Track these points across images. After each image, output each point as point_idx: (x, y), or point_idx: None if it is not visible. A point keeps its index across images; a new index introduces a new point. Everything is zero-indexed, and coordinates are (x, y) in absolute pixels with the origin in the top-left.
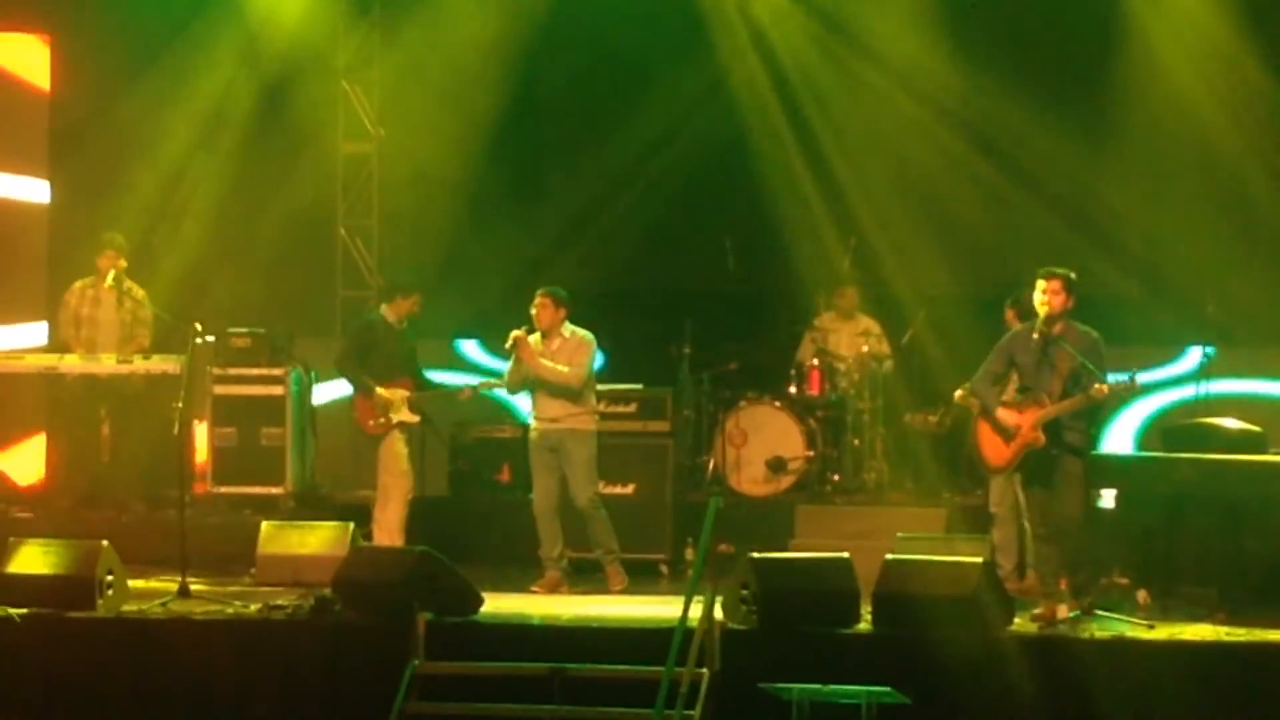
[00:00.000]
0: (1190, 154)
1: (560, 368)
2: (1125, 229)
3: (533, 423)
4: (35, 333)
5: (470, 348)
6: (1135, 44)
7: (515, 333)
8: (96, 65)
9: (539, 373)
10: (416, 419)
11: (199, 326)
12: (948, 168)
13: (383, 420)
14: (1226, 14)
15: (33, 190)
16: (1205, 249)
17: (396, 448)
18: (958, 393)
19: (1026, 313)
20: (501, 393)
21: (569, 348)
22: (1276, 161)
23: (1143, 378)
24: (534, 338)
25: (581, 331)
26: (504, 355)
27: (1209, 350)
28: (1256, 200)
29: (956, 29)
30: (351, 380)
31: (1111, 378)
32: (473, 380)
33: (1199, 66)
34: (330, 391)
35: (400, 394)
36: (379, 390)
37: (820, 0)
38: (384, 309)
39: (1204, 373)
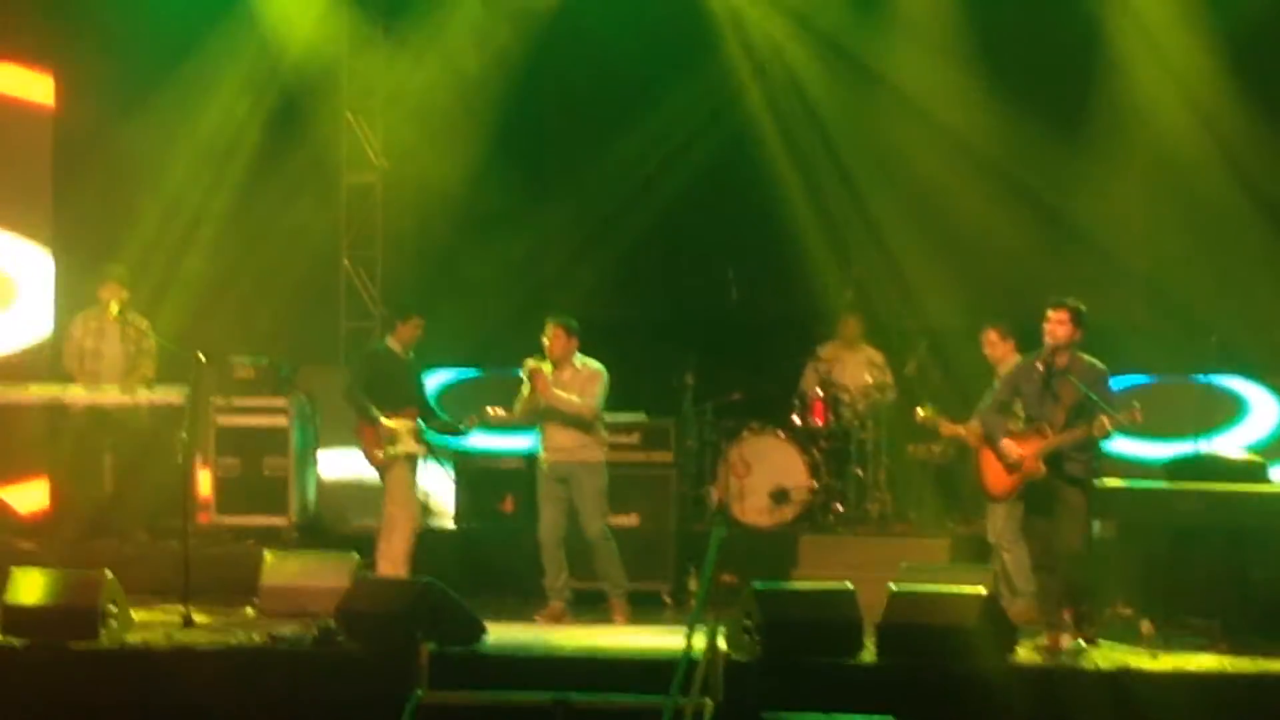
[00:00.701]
0: (1186, 182)
1: (574, 399)
2: (1129, 259)
3: (542, 453)
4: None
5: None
6: (1128, 74)
7: (530, 363)
8: (100, 96)
9: (553, 403)
10: (423, 450)
11: (202, 357)
12: (953, 197)
13: (389, 451)
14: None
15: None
16: (1208, 279)
17: (402, 478)
18: (961, 429)
19: (1009, 334)
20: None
21: (581, 379)
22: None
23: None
24: (544, 367)
25: (593, 362)
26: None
27: (1212, 379)
28: (1251, 231)
29: (962, 56)
30: (358, 410)
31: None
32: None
33: (1188, 97)
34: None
35: (406, 424)
36: (384, 421)
37: (827, 29)
38: (388, 339)
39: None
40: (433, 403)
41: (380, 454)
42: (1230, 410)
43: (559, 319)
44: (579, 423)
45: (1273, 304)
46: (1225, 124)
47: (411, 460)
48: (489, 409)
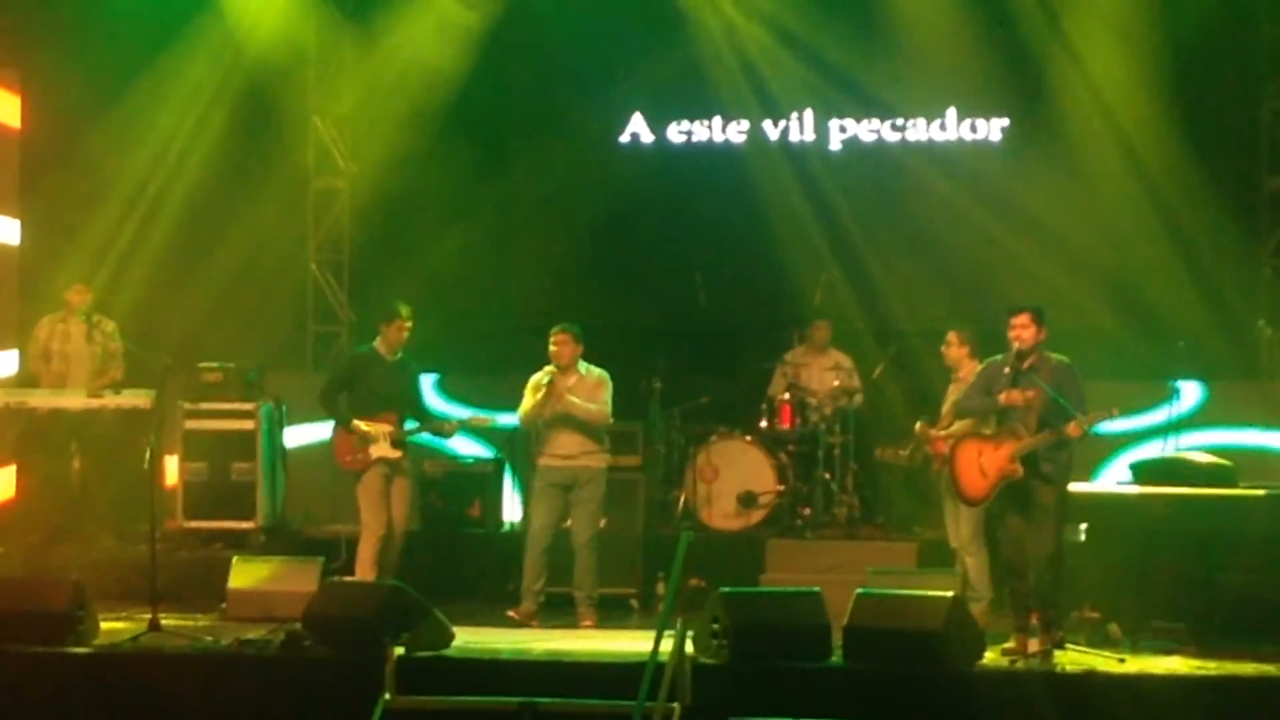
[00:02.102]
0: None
1: (590, 405)
2: (1097, 266)
3: (544, 459)
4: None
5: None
6: (1088, 75)
7: (550, 370)
8: (66, 103)
9: (571, 410)
10: (398, 454)
11: (170, 361)
12: (922, 203)
13: (360, 455)
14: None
15: (4, 229)
16: (1173, 287)
17: (372, 483)
18: (917, 425)
19: (966, 340)
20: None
21: (587, 385)
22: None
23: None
24: (555, 371)
25: (597, 369)
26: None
27: (1178, 385)
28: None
29: (923, 56)
30: (329, 414)
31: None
32: (463, 414)
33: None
34: (306, 430)
35: (381, 429)
36: (357, 424)
37: (791, 27)
38: (376, 341)
39: (1175, 407)
40: (424, 403)
41: (350, 459)
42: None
43: (565, 326)
44: (588, 429)
45: (1237, 309)
46: (1185, 125)
47: (384, 465)
48: (473, 415)
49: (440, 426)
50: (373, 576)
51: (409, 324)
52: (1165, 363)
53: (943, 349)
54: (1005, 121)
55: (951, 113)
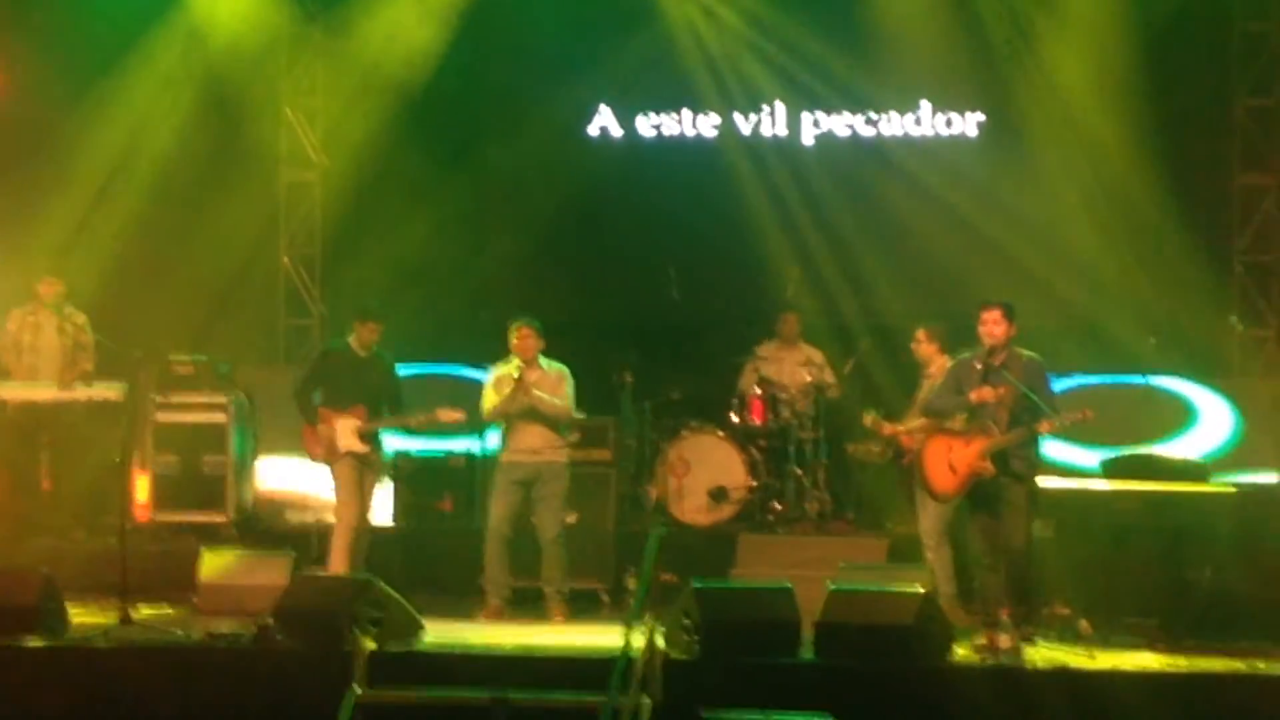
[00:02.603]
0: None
1: (555, 400)
2: (1069, 262)
3: (506, 454)
4: None
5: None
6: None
7: (518, 364)
8: (35, 93)
9: (537, 405)
10: (365, 448)
11: (141, 354)
12: (896, 198)
13: (326, 449)
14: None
15: None
16: (1146, 282)
17: (342, 476)
18: (903, 430)
19: (935, 336)
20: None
21: (550, 380)
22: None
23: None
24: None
25: (556, 363)
26: None
27: (1150, 380)
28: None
29: (905, 52)
30: (301, 410)
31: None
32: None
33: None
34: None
35: (351, 423)
36: (331, 419)
37: (763, 19)
38: (350, 337)
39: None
40: (399, 397)
41: (319, 451)
42: (1179, 417)
43: (528, 320)
44: (551, 424)
45: (1209, 305)
46: (1158, 119)
47: (354, 459)
48: (440, 410)
49: (406, 421)
50: (346, 569)
51: (380, 326)
52: (1138, 358)
53: (912, 346)
54: (980, 116)
55: (926, 106)
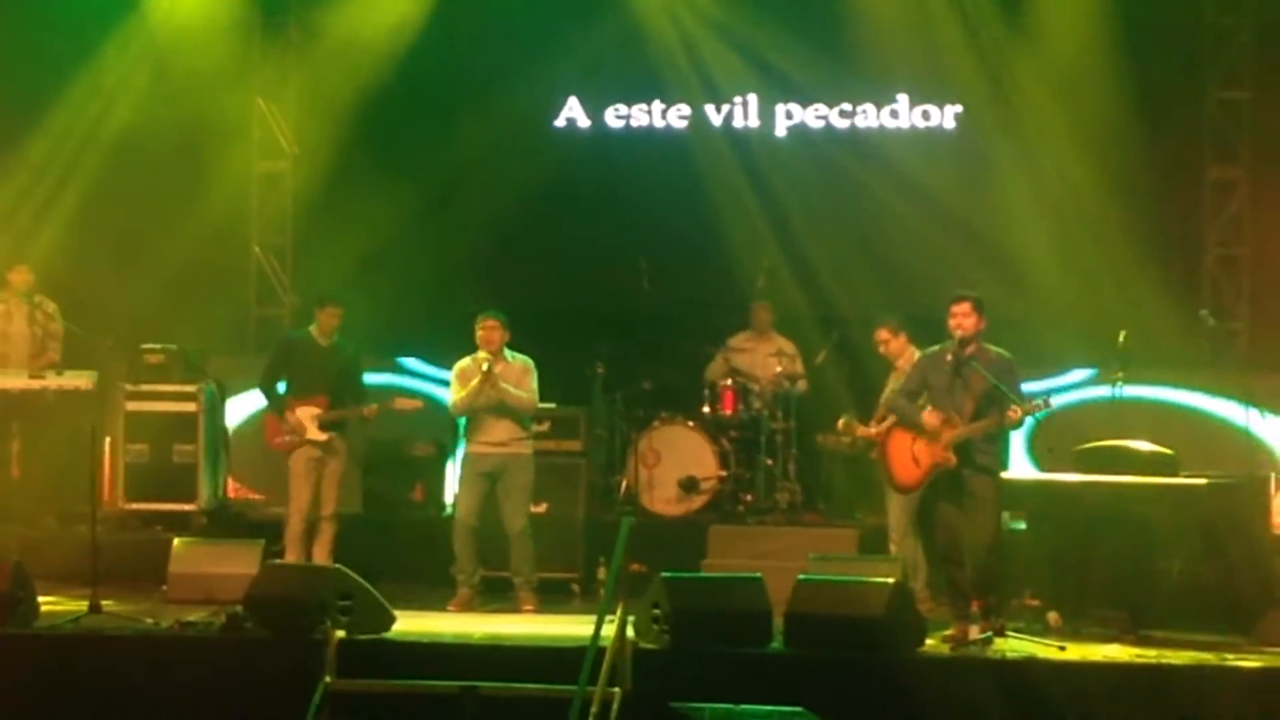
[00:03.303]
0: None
1: (521, 393)
2: (1035, 256)
3: (472, 445)
4: None
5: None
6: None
7: (486, 356)
8: (4, 81)
9: (503, 397)
10: (324, 437)
11: (112, 342)
12: (869, 191)
13: (288, 439)
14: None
15: None
16: (1119, 276)
17: (297, 465)
18: (873, 430)
19: (899, 329)
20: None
21: (514, 372)
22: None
23: (1055, 400)
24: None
25: (521, 355)
26: None
27: (1119, 378)
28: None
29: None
30: (266, 399)
31: (1026, 395)
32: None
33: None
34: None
35: (310, 411)
36: (290, 406)
37: (735, 8)
38: (311, 326)
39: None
40: (360, 387)
41: (280, 440)
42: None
43: (494, 312)
44: (515, 416)
45: (1180, 299)
46: (1135, 112)
47: (313, 447)
48: (398, 398)
49: (359, 411)
50: (298, 556)
51: (339, 310)
52: (1110, 354)
53: (879, 348)
54: (959, 108)
55: (903, 99)
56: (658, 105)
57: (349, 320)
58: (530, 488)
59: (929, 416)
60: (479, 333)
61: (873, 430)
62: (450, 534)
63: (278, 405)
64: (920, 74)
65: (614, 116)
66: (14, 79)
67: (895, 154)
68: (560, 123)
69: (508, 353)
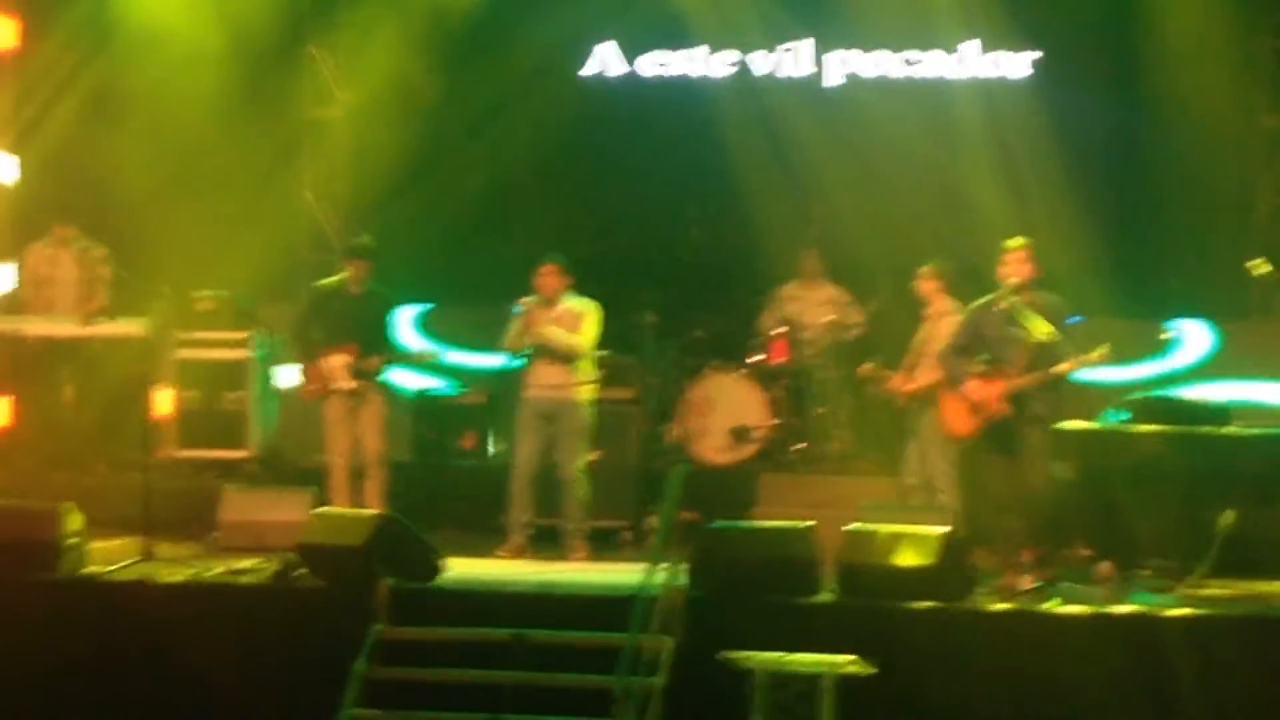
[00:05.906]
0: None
1: (563, 334)
2: (1092, 204)
3: (529, 389)
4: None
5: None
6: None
7: (526, 300)
8: (64, 33)
9: (546, 338)
10: (353, 385)
11: (164, 289)
12: (926, 141)
13: (317, 386)
14: None
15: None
16: (1166, 224)
17: (331, 413)
18: (900, 381)
19: (935, 274)
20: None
21: (571, 315)
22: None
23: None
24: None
25: (585, 300)
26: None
27: (1171, 324)
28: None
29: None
30: (299, 348)
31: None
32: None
33: None
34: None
35: (342, 359)
36: (319, 357)
37: None
38: (343, 275)
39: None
40: (388, 336)
41: (312, 388)
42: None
43: (553, 258)
44: (567, 360)
45: (1230, 246)
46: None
47: (345, 396)
48: (419, 350)
49: (393, 358)
50: (346, 504)
51: (366, 263)
52: (1159, 301)
53: (915, 283)
54: (1035, 55)
55: (972, 45)
56: (702, 50)
57: (390, 267)
58: (584, 434)
59: (973, 389)
60: (536, 279)
61: (906, 385)
62: (501, 481)
63: (313, 353)
64: (992, 18)
65: (651, 63)
66: (67, 27)
67: (956, 103)
68: (599, 68)
69: (571, 298)
